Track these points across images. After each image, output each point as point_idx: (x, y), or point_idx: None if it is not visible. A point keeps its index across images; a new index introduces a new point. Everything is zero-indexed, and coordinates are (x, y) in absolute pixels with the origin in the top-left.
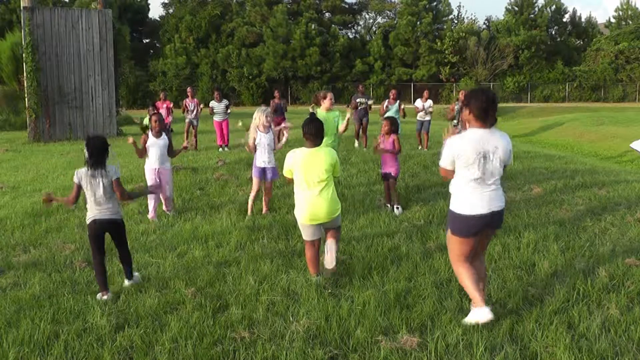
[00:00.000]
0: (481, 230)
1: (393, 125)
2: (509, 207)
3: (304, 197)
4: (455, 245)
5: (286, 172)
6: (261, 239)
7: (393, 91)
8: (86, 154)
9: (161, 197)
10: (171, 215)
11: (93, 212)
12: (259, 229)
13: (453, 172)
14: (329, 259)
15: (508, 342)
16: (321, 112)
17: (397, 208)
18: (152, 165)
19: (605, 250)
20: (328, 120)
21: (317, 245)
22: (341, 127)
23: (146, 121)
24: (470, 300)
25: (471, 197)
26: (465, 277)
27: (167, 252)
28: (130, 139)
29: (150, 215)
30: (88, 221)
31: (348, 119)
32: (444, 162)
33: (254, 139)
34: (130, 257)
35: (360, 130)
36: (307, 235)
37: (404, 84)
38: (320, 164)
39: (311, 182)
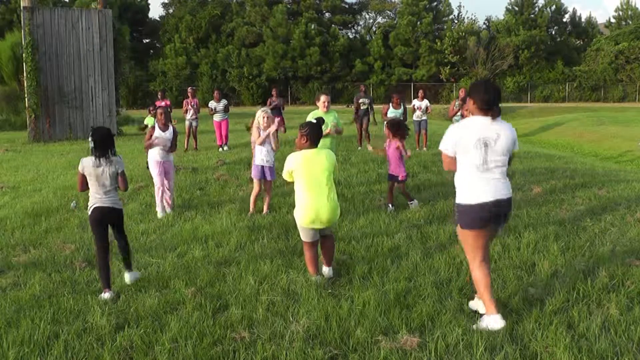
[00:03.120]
0: (489, 220)
1: (392, 128)
2: None
3: (307, 199)
4: (468, 240)
5: (286, 175)
6: (261, 239)
7: (396, 97)
8: (91, 144)
9: (166, 192)
10: (170, 215)
11: (95, 199)
12: (259, 229)
13: (453, 160)
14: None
15: (508, 342)
16: (320, 112)
17: (412, 203)
18: (157, 158)
19: (605, 250)
20: (327, 121)
21: (316, 246)
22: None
23: (147, 121)
24: (468, 299)
25: (475, 185)
26: (481, 283)
27: (167, 252)
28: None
29: (158, 210)
30: (90, 209)
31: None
32: (445, 145)
33: (259, 136)
34: (129, 247)
35: (362, 131)
36: (306, 237)
37: (404, 84)
38: (321, 165)
39: (314, 183)
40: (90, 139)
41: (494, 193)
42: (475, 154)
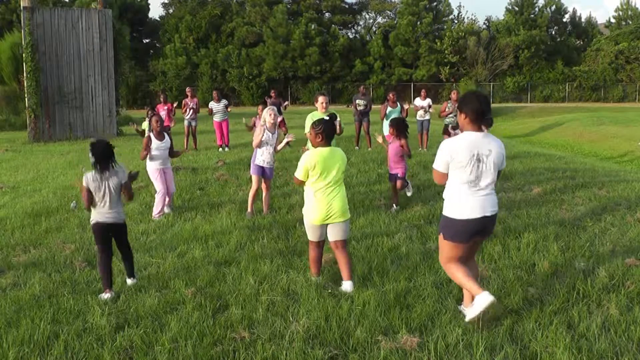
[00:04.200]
0: (473, 235)
1: (398, 128)
2: (509, 207)
3: (320, 197)
4: (447, 250)
5: (302, 174)
6: (261, 239)
7: (391, 94)
8: (92, 160)
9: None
10: (170, 215)
11: (97, 214)
12: (259, 229)
13: (446, 175)
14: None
15: (508, 342)
16: (318, 114)
17: (396, 209)
18: (157, 166)
19: (605, 250)
20: None
21: (322, 246)
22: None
23: (144, 125)
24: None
25: (465, 201)
26: (457, 273)
27: (167, 252)
28: (134, 126)
29: (156, 215)
30: (91, 222)
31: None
32: (438, 165)
33: (261, 137)
34: (132, 256)
35: (362, 132)
36: (313, 236)
37: (404, 84)
38: (337, 162)
39: (328, 181)
40: (90, 155)
41: (482, 210)
42: (468, 170)
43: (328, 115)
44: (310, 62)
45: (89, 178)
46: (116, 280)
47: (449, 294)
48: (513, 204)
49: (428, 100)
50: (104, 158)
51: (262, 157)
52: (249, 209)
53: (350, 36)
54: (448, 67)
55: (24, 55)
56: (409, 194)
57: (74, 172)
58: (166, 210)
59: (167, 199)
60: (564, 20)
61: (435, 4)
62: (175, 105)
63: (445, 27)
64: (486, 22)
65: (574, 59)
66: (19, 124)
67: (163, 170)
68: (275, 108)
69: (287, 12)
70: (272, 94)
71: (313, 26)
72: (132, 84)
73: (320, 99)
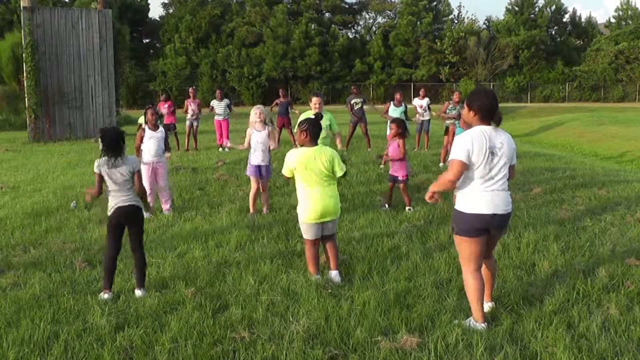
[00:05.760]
0: (485, 230)
1: (399, 128)
2: None
3: (312, 195)
4: (464, 247)
5: (286, 171)
6: (261, 239)
7: (399, 94)
8: (101, 146)
9: (162, 195)
10: (170, 215)
11: (115, 200)
12: (259, 229)
13: (465, 166)
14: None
15: (508, 342)
16: (311, 113)
17: (409, 209)
18: (148, 159)
19: (605, 250)
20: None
21: (318, 244)
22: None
23: (140, 120)
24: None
25: (477, 196)
26: (472, 289)
27: (167, 252)
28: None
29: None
30: (111, 210)
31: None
32: (461, 154)
33: (250, 137)
34: (145, 265)
35: (361, 133)
36: (309, 234)
37: (404, 84)
38: (324, 161)
39: (317, 179)
40: (100, 141)
41: (494, 207)
42: (483, 164)
43: (314, 114)
44: (310, 62)
45: (101, 163)
46: (115, 280)
47: (449, 294)
48: (513, 203)
49: (427, 100)
50: (114, 144)
51: (256, 155)
52: (251, 210)
53: (350, 36)
54: (448, 67)
55: (24, 55)
56: (408, 212)
57: (74, 172)
58: (166, 212)
59: (164, 201)
60: (564, 20)
61: (435, 4)
62: (171, 103)
63: (445, 27)
64: (486, 22)
65: (574, 59)
66: (19, 124)
67: (154, 165)
68: (262, 107)
69: (287, 12)
70: (281, 94)
71: (313, 26)
72: (132, 84)
73: (314, 99)
